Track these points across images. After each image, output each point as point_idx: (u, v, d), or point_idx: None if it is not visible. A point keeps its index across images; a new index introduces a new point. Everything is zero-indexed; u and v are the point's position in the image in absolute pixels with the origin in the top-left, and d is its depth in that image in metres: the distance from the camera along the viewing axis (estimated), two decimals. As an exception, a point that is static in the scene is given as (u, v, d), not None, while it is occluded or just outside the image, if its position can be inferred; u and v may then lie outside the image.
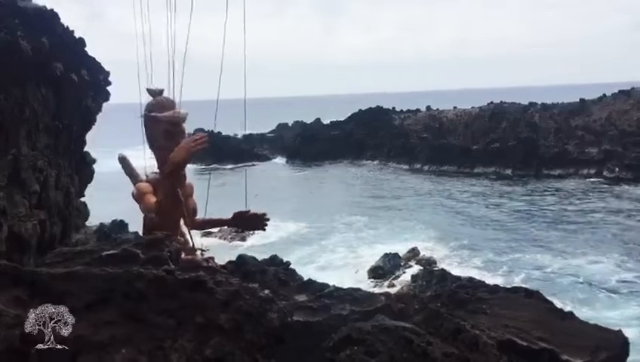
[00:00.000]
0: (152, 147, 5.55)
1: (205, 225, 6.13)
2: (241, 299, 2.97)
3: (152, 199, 5.33)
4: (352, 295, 3.57)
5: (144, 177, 5.76)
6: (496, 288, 4.38)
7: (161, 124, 5.42)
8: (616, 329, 4.16)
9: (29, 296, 2.80)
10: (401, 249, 31.51)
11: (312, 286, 3.83)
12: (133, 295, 2.93)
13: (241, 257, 5.25)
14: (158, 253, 3.25)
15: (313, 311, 3.26)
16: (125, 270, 2.93)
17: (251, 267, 4.35)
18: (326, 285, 3.86)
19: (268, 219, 5.96)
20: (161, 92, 5.59)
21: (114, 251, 3.20)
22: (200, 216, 6.04)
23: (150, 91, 5.55)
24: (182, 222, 5.69)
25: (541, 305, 4.03)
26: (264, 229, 6.01)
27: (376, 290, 25.90)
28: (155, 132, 5.46)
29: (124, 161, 6.10)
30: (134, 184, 5.71)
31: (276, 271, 4.09)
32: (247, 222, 6.03)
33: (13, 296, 2.74)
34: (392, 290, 25.71)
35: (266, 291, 3.10)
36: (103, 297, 2.85)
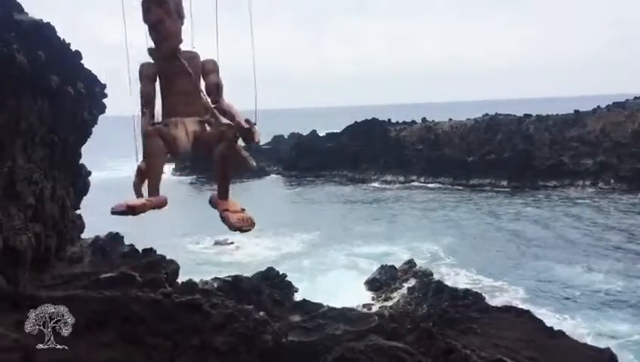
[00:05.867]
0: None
1: (226, 114, 5.72)
2: (237, 321, 3.02)
3: (148, 87, 5.43)
4: (346, 315, 3.63)
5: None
6: (486, 307, 4.44)
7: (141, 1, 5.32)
8: (604, 347, 4.23)
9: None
10: (398, 260, 31.56)
11: (306, 307, 3.88)
12: (131, 317, 2.98)
13: (236, 277, 5.25)
14: (156, 275, 3.30)
15: (307, 332, 3.31)
16: (123, 293, 2.98)
17: (246, 285, 4.39)
18: (320, 305, 3.92)
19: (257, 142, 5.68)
20: None
21: (112, 274, 3.25)
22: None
23: None
24: (209, 100, 5.60)
25: (531, 324, 4.10)
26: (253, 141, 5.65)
27: (374, 303, 25.96)
28: None
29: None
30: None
31: (271, 292, 4.14)
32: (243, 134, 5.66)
33: (14, 320, 2.79)
34: (389, 303, 25.74)
35: (261, 313, 3.16)
36: (101, 320, 2.90)
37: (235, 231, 5.18)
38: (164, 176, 5.70)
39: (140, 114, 5.54)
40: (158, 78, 5.57)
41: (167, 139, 5.38)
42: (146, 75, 5.48)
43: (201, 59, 5.64)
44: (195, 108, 5.57)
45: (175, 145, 5.43)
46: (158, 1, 5.28)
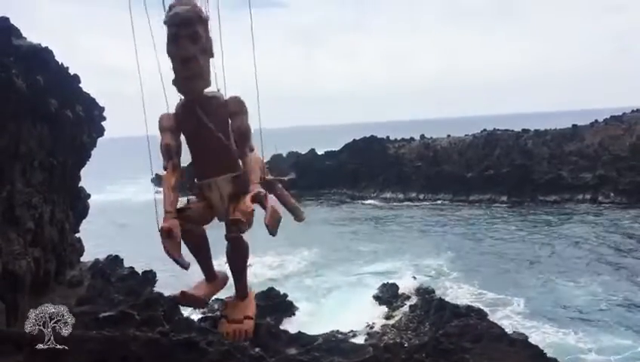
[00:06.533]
0: (171, 61, 4.74)
1: (244, 173, 5.01)
2: (233, 358, 3.00)
3: (166, 139, 4.81)
4: (340, 347, 3.61)
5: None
6: (479, 337, 4.42)
7: (167, 29, 4.65)
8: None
9: (31, 360, 2.82)
10: (400, 277, 31.55)
11: (302, 339, 3.86)
12: (130, 357, 2.95)
13: None
14: (154, 313, 3.28)
15: (307, 363, 3.28)
16: (122, 332, 2.97)
17: None
18: (315, 337, 3.89)
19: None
20: None
21: (111, 313, 3.24)
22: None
23: None
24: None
25: (523, 352, 4.07)
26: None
27: (376, 321, 25.81)
28: (166, 41, 4.67)
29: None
30: None
31: (268, 324, 4.11)
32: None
33: None
34: (391, 321, 25.61)
35: (257, 349, 3.13)
36: (100, 359, 2.87)
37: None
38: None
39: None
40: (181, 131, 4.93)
41: (201, 214, 4.92)
42: (165, 128, 4.87)
43: (226, 97, 4.91)
44: (226, 164, 4.95)
45: (212, 211, 4.95)
46: (192, 36, 4.62)
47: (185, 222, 4.80)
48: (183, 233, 4.82)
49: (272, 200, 4.75)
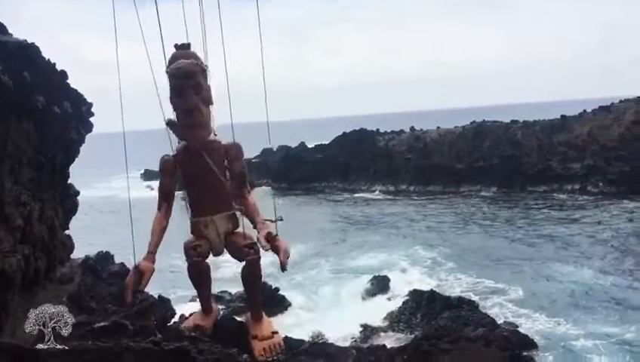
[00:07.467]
0: (174, 109, 5.17)
1: (248, 213, 5.51)
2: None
3: (166, 183, 5.26)
4: (325, 351, 3.69)
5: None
6: (457, 338, 4.52)
7: (169, 79, 5.00)
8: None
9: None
10: (392, 270, 31.67)
11: (287, 343, 3.94)
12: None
13: (222, 321, 5.27)
14: (146, 322, 3.39)
15: (289, 371, 3.34)
16: (115, 343, 3.05)
17: (233, 328, 4.46)
18: (301, 341, 3.97)
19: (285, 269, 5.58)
20: (184, 46, 5.08)
21: (105, 323, 3.36)
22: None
23: (175, 45, 5.11)
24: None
25: (499, 353, 4.17)
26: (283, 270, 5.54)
27: (368, 315, 25.88)
28: (169, 90, 5.04)
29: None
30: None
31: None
32: (273, 249, 5.55)
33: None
34: (383, 314, 25.72)
35: (245, 356, 3.22)
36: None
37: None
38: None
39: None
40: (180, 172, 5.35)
41: (202, 250, 5.27)
42: (166, 171, 5.30)
43: (223, 143, 5.35)
44: (223, 203, 5.36)
45: (208, 248, 5.32)
46: (195, 87, 4.94)
47: (197, 254, 5.22)
48: (191, 265, 5.27)
49: (282, 240, 5.38)
